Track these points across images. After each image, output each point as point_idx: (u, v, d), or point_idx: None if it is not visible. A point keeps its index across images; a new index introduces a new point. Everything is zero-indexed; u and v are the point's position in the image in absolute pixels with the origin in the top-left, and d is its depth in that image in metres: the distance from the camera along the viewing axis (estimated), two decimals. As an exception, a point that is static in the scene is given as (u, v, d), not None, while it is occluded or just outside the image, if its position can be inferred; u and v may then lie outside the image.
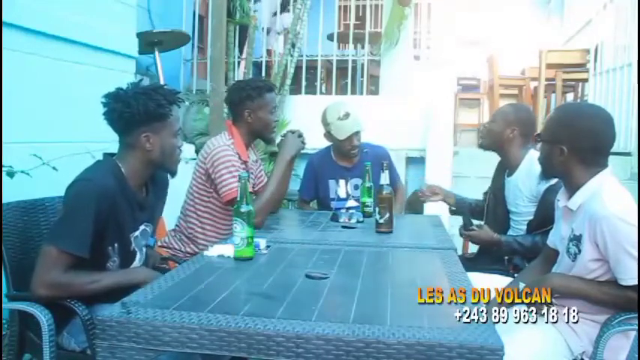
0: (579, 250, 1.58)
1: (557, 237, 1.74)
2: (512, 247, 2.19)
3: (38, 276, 1.54)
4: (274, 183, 2.31)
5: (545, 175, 1.76)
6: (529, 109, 2.72)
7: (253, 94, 2.36)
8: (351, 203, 2.74)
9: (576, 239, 1.59)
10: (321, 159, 2.94)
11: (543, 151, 1.70)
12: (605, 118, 1.64)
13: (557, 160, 1.62)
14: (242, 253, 1.68)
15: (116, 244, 1.69)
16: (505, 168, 2.36)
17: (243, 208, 1.68)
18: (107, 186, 1.62)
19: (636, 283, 1.46)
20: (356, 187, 2.83)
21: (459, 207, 2.63)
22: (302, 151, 2.44)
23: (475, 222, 2.32)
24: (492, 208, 2.43)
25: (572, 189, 1.63)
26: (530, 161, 2.18)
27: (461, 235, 2.37)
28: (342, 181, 2.86)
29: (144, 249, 1.83)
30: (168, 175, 1.85)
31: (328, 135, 2.83)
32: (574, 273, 1.60)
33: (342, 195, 2.86)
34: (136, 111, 1.66)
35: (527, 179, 2.20)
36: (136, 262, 1.79)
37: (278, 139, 2.48)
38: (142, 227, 1.78)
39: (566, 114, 1.71)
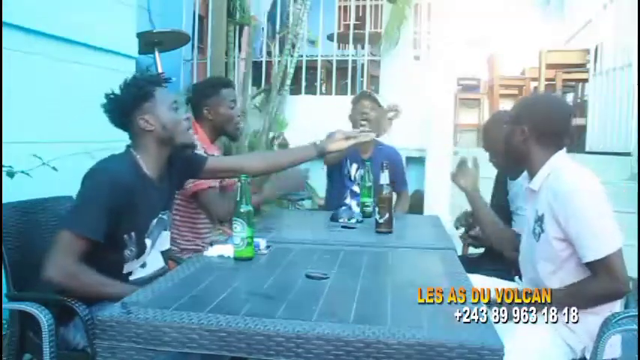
0: (542, 230, 1.62)
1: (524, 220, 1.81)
2: None
3: (50, 259, 1.55)
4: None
5: (508, 155, 1.80)
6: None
7: (209, 92, 2.43)
8: (354, 202, 2.75)
9: (540, 219, 1.64)
10: None
11: (506, 132, 1.78)
12: (562, 104, 1.86)
13: (518, 139, 1.71)
14: (242, 254, 1.68)
15: (133, 233, 1.70)
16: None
17: (243, 208, 1.68)
18: (120, 172, 1.66)
19: (596, 258, 1.48)
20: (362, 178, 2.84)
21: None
22: None
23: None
24: (496, 210, 2.45)
25: (533, 170, 1.71)
26: None
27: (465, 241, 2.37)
28: (354, 165, 2.88)
29: (162, 237, 1.84)
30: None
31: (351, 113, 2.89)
32: (538, 254, 1.64)
33: (352, 177, 2.87)
34: (123, 101, 1.73)
35: None
36: (146, 253, 1.77)
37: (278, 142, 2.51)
38: (159, 215, 1.80)
39: (528, 98, 1.93)
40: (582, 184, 1.57)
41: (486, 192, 2.58)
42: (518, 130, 1.71)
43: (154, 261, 1.82)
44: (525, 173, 2.23)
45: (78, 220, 1.59)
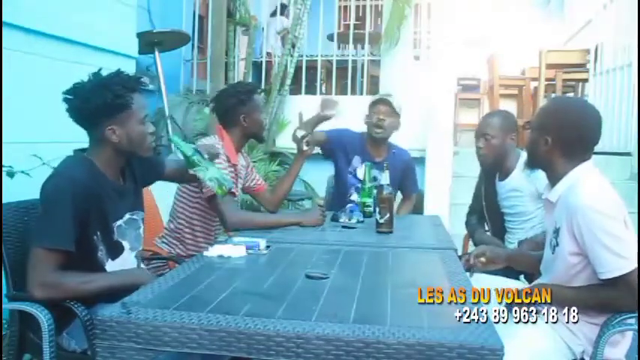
0: (557, 243, 1.59)
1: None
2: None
3: (30, 278, 1.54)
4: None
5: (530, 164, 1.74)
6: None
7: (245, 99, 2.35)
8: (355, 197, 2.76)
9: (556, 232, 1.60)
10: (354, 137, 2.91)
11: (530, 140, 1.71)
12: (593, 114, 1.65)
13: (542, 149, 1.63)
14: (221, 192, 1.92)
15: (99, 232, 1.66)
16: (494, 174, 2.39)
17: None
18: (80, 177, 1.60)
19: (613, 276, 1.45)
20: (374, 178, 2.82)
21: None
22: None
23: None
24: (490, 213, 2.46)
25: (554, 181, 1.65)
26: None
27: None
28: (363, 165, 2.85)
29: (139, 238, 1.81)
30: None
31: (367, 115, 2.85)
32: (555, 267, 1.61)
33: (360, 176, 2.85)
34: (94, 105, 1.61)
35: (526, 180, 2.20)
36: (126, 253, 1.75)
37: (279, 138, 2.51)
38: (126, 216, 1.75)
39: (555, 105, 1.76)
40: (600, 202, 1.50)
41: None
42: (542, 139, 1.62)
43: (130, 263, 1.80)
44: (517, 174, 2.26)
45: (45, 234, 1.54)
